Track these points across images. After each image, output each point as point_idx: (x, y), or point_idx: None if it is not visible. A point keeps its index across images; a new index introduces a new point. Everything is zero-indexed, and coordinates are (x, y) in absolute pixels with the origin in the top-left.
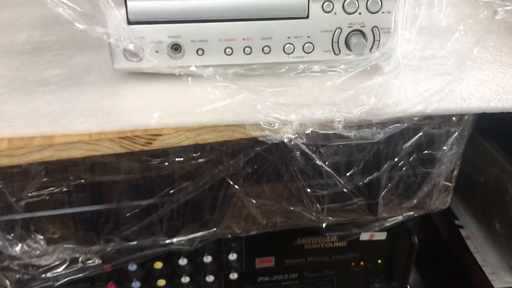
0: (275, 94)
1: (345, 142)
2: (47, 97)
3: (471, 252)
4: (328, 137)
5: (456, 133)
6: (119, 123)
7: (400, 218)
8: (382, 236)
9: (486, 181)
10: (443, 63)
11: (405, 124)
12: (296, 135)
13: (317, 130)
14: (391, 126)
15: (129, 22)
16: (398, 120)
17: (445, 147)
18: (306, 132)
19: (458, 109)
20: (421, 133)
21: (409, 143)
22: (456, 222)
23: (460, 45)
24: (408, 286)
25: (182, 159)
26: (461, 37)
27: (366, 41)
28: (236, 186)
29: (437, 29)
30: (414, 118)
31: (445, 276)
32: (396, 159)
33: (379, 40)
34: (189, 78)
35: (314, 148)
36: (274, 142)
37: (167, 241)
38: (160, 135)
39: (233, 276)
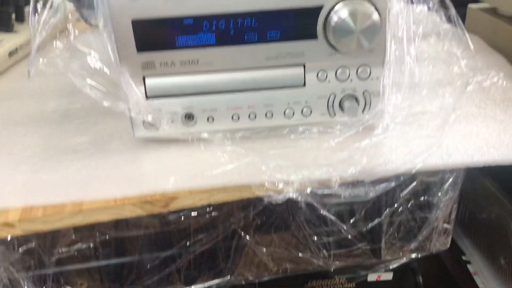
0: (277, 155)
1: (341, 200)
2: (76, 164)
3: None
4: (326, 196)
5: (451, 179)
6: (139, 188)
7: (404, 259)
8: (389, 276)
9: (489, 218)
10: (430, 118)
11: (393, 184)
12: (297, 194)
13: (315, 190)
14: (381, 185)
15: (147, 97)
16: (388, 179)
17: (440, 193)
18: (306, 191)
19: (444, 165)
20: (415, 182)
21: (406, 191)
22: (463, 257)
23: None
24: None
25: (196, 213)
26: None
27: (358, 105)
28: (247, 237)
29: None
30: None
31: None
32: (395, 205)
33: (370, 103)
34: (201, 143)
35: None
36: (278, 202)
37: None
38: (176, 197)
39: None
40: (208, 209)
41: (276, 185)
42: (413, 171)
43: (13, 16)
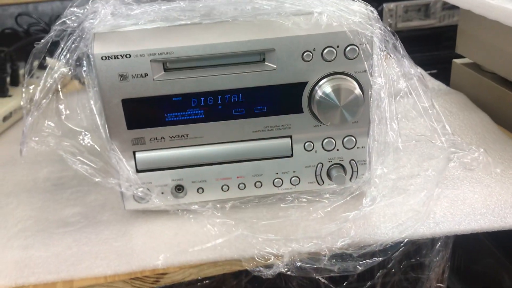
0: (267, 227)
1: (330, 275)
2: (67, 239)
3: None
4: (316, 269)
5: (441, 240)
6: (130, 264)
7: None
8: None
9: (483, 270)
10: (416, 190)
11: (380, 259)
12: (287, 269)
13: (305, 265)
14: (369, 261)
15: (138, 171)
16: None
17: (431, 254)
18: (296, 264)
19: (431, 233)
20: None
21: (397, 252)
22: None
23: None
24: None
25: (188, 282)
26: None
27: (345, 173)
28: None
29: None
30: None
31: None
32: (388, 266)
33: (357, 171)
34: (191, 215)
35: None
36: (268, 277)
37: None
38: (166, 273)
39: None
40: (200, 277)
41: (266, 259)
42: (402, 239)
43: (8, 80)
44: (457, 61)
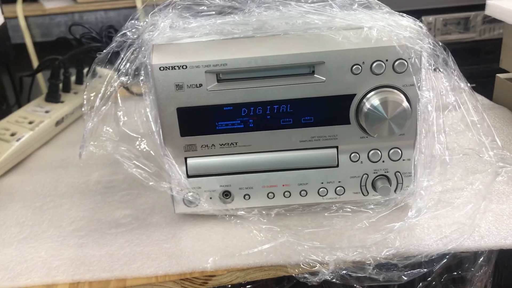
0: (312, 235)
1: (374, 284)
2: (119, 240)
3: None
4: (360, 279)
5: (484, 255)
6: (180, 266)
7: None
8: None
9: None
10: (463, 202)
11: (425, 270)
12: (332, 276)
13: (350, 273)
14: (414, 271)
15: (188, 176)
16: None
17: (473, 268)
18: (341, 273)
19: (476, 247)
20: (448, 256)
21: (439, 266)
22: None
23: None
24: None
25: (231, 286)
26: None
27: (390, 185)
28: None
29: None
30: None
31: None
32: (428, 279)
33: (402, 183)
34: (238, 220)
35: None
36: (314, 283)
37: None
38: (214, 276)
39: None
40: (242, 281)
41: (311, 266)
42: (447, 251)
43: (61, 86)
44: (500, 75)
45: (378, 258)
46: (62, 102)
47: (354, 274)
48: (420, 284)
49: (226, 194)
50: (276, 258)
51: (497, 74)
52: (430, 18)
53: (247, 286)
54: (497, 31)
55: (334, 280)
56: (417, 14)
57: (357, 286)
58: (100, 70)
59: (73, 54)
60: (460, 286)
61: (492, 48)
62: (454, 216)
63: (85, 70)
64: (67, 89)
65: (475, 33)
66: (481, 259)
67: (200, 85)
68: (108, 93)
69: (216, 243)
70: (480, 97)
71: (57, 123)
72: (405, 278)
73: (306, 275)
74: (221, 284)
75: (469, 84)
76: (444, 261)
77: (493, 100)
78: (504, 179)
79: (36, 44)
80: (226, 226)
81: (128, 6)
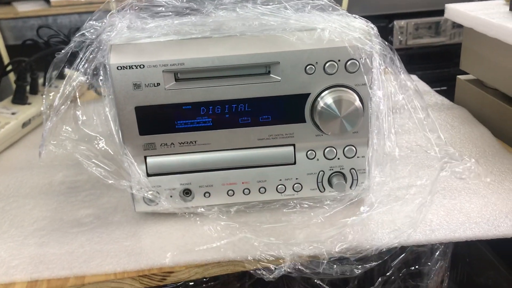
0: (270, 231)
1: (329, 277)
2: (80, 238)
3: None
4: (315, 272)
5: (440, 249)
6: (138, 263)
7: None
8: None
9: (486, 283)
10: (412, 197)
11: (375, 263)
12: (288, 271)
13: (303, 268)
14: (366, 264)
15: (148, 175)
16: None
17: (430, 263)
18: (296, 267)
19: (427, 241)
20: (406, 252)
21: (397, 260)
22: None
23: (424, 183)
24: None
25: (193, 283)
26: (425, 178)
27: (346, 181)
28: None
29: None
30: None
31: None
32: (387, 274)
33: (357, 179)
34: (197, 218)
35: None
36: (270, 279)
37: None
38: (173, 272)
39: None
40: (204, 279)
41: (268, 261)
42: (399, 245)
43: (28, 88)
44: (461, 77)
45: (332, 252)
46: (29, 104)
47: (309, 270)
48: (380, 279)
49: (187, 192)
50: (233, 254)
51: (458, 76)
52: (402, 23)
53: (210, 283)
54: None
55: (292, 274)
56: (389, 18)
57: (317, 281)
58: (69, 71)
59: (40, 56)
60: (418, 280)
61: None
62: (404, 211)
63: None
64: (34, 91)
65: (446, 37)
66: (437, 253)
67: (158, 84)
68: (67, 92)
69: (175, 240)
70: (441, 98)
71: (24, 124)
72: (357, 272)
73: (263, 271)
74: (180, 280)
75: (414, 83)
76: (402, 256)
77: (455, 101)
78: (448, 174)
79: (8, 47)
80: (186, 224)
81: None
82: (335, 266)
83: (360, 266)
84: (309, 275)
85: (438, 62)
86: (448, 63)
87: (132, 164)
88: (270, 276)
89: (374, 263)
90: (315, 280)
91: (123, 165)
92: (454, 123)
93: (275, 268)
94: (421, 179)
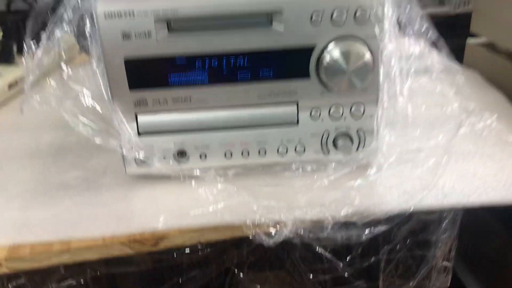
0: (270, 194)
1: (332, 245)
2: (67, 202)
3: None
4: (319, 238)
5: (449, 217)
6: (129, 227)
7: None
8: None
9: (492, 253)
10: (424, 158)
11: (385, 226)
12: (290, 237)
13: (305, 233)
14: (374, 228)
15: (140, 134)
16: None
17: (438, 231)
18: (298, 232)
19: (439, 206)
20: (412, 220)
21: (403, 229)
22: None
23: (439, 143)
24: None
25: (189, 250)
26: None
27: (352, 143)
28: (241, 274)
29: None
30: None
31: None
32: (393, 243)
33: (364, 141)
34: (193, 181)
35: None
36: (270, 245)
37: None
38: (166, 237)
39: None
40: (200, 246)
41: (268, 226)
42: (408, 213)
43: (15, 48)
44: (470, 41)
45: (337, 217)
46: (16, 64)
47: (312, 235)
48: (385, 247)
49: (181, 154)
50: (231, 218)
51: (468, 40)
52: None
53: (206, 250)
54: (471, 5)
55: (293, 240)
56: None
57: (319, 249)
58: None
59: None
60: (425, 249)
61: (467, 23)
62: (416, 173)
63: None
64: (22, 50)
65: (450, 7)
66: (445, 222)
67: (149, 34)
68: (51, 44)
69: (169, 204)
70: (449, 63)
71: (10, 86)
72: (364, 237)
73: (263, 236)
74: (173, 246)
75: (431, 34)
76: (410, 223)
77: (463, 66)
78: (467, 131)
79: None
80: (180, 187)
81: None
82: (340, 231)
83: (367, 231)
84: (312, 241)
85: (442, 33)
86: (452, 33)
87: (122, 122)
88: (270, 242)
89: (382, 227)
90: (317, 249)
91: (113, 123)
92: (465, 87)
93: (275, 233)
94: (436, 138)
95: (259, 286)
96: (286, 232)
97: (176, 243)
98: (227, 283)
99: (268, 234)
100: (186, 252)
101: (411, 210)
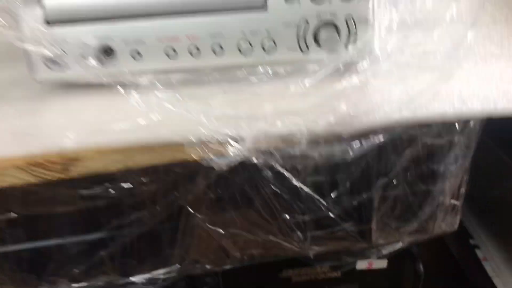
0: (226, 105)
1: (310, 173)
2: None
3: (489, 276)
4: (289, 157)
5: (461, 143)
6: (28, 146)
7: (400, 243)
8: (383, 264)
9: (503, 195)
10: (434, 55)
11: (379, 137)
12: (249, 156)
13: (276, 151)
14: (365, 142)
15: (48, 23)
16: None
17: (448, 160)
18: (261, 151)
19: (456, 113)
20: (417, 144)
21: (403, 157)
22: (471, 241)
23: (453, 32)
24: None
25: (130, 184)
26: (453, 23)
27: (339, 35)
28: (198, 215)
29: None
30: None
31: None
32: (389, 176)
33: (356, 33)
34: (123, 89)
35: (288, 166)
36: (223, 169)
37: (125, 281)
38: (79, 159)
39: None
40: (143, 180)
41: (220, 143)
42: (416, 118)
43: None
44: None
45: (315, 129)
46: None
47: (281, 153)
48: (379, 180)
49: (106, 52)
50: (169, 133)
51: None
52: None
53: (151, 185)
54: None
55: (256, 162)
56: None
57: (298, 183)
58: None
59: None
60: (429, 183)
61: None
62: (423, 77)
63: None
64: None
65: None
66: (457, 146)
67: None
68: None
69: (87, 118)
70: None
71: None
72: (351, 153)
73: (213, 157)
74: (91, 171)
75: None
76: (412, 149)
77: None
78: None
79: None
80: (106, 98)
81: None
82: (318, 147)
83: (356, 147)
84: (281, 163)
85: None
86: None
87: (22, 5)
88: (223, 164)
89: (376, 137)
90: (294, 182)
91: (9, 7)
92: None
93: (231, 154)
94: (449, 38)
95: (221, 230)
96: (244, 151)
97: (94, 168)
98: (180, 227)
99: (221, 154)
100: (125, 187)
101: (416, 117)
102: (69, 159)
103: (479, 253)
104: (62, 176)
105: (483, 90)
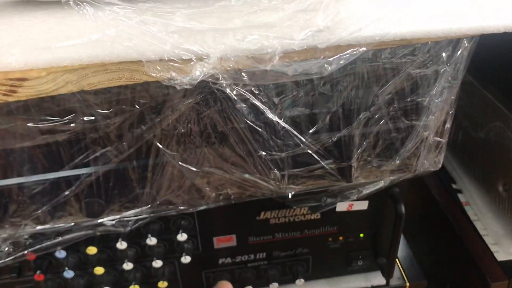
0: (190, 19)
1: (282, 81)
2: None
3: (471, 220)
4: (260, 75)
5: (447, 74)
6: None
7: (382, 183)
8: (363, 205)
9: (487, 137)
10: None
11: (363, 49)
12: (213, 72)
13: (245, 70)
14: (345, 54)
15: None
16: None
17: (433, 92)
18: (228, 69)
19: (456, 30)
20: (401, 75)
21: (386, 88)
22: (453, 186)
23: None
24: (397, 262)
25: (92, 118)
26: None
27: None
28: (167, 151)
29: None
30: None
31: (441, 248)
32: (371, 110)
33: None
34: (75, 5)
35: (264, 99)
36: (185, 86)
37: (94, 223)
38: (26, 78)
39: (186, 259)
40: (106, 111)
41: (183, 61)
42: (406, 33)
43: None
44: None
45: (290, 44)
46: None
47: (252, 70)
48: (361, 115)
49: None
50: (126, 49)
51: None
52: None
53: (114, 119)
54: None
55: (219, 79)
56: None
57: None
58: None
59: None
60: (413, 117)
61: None
62: None
63: None
64: None
65: None
66: (443, 76)
67: None
68: None
69: (36, 36)
70: None
71: None
72: (330, 68)
73: (174, 75)
74: (41, 93)
75: None
76: (395, 79)
77: None
78: None
79: None
80: (60, 14)
81: None
82: (290, 64)
83: (334, 59)
84: (250, 83)
85: None
86: None
87: None
88: (184, 81)
89: (362, 49)
90: (269, 115)
91: None
92: None
93: (195, 73)
94: None
95: (193, 168)
96: (209, 69)
97: (43, 89)
98: (149, 164)
99: (183, 71)
100: (87, 119)
101: (410, 33)
102: (15, 79)
103: (461, 197)
104: (8, 99)
105: (478, 5)
